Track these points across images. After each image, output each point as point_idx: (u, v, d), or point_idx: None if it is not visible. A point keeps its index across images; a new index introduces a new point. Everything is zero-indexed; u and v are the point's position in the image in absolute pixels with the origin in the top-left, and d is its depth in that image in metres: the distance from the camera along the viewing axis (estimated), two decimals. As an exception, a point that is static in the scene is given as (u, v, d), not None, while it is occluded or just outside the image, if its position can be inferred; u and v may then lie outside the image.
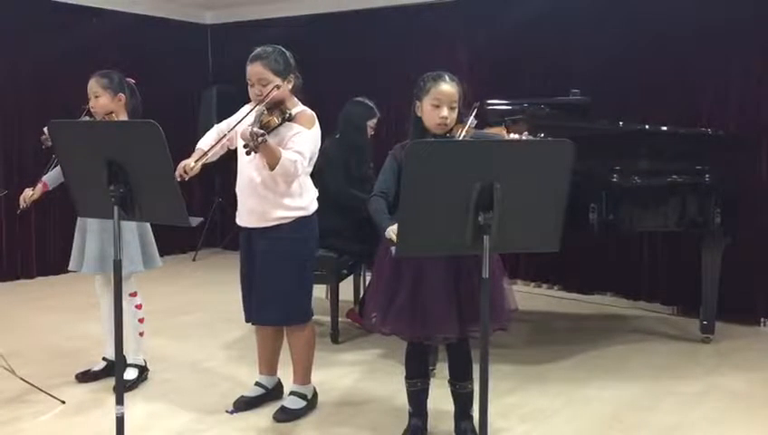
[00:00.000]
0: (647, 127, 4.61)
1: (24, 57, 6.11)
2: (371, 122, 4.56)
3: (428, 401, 3.09)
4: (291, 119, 3.10)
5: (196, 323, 4.94)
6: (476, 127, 2.89)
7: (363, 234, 4.44)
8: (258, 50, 3.15)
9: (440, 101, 2.79)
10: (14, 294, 5.65)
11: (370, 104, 4.59)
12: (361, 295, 4.81)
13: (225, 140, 3.22)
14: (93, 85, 3.58)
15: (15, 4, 6.07)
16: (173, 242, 6.53)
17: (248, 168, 3.16)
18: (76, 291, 5.34)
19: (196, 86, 7.18)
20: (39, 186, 3.66)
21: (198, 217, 6.90)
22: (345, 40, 6.59)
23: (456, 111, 2.83)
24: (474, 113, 2.86)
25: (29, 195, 3.65)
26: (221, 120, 3.41)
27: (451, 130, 2.84)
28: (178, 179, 2.97)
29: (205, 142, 3.29)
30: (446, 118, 2.80)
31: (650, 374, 3.98)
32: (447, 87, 2.81)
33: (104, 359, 3.80)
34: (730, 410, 3.51)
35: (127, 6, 6.79)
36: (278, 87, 3.08)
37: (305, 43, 6.22)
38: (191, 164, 3.06)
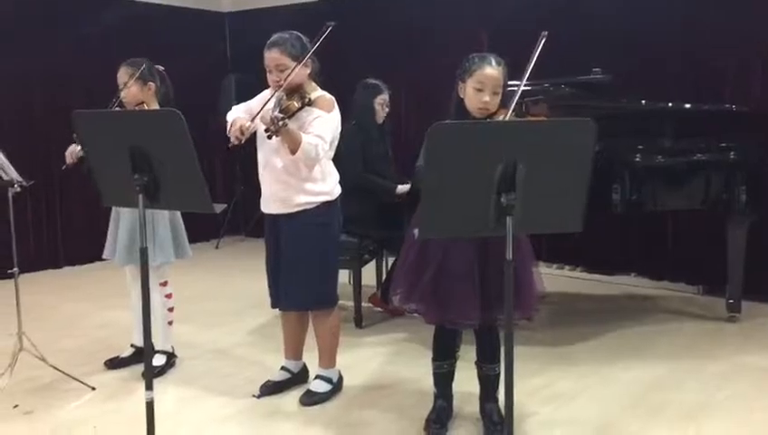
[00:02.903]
0: (669, 105, 4.56)
1: (45, 49, 6.16)
2: (380, 99, 4.49)
3: (453, 383, 3.10)
4: (310, 103, 3.10)
5: (221, 309, 4.99)
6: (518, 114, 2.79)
7: (384, 219, 4.45)
8: (275, 36, 3.15)
9: (483, 85, 2.71)
10: (43, 283, 5.74)
11: (375, 82, 4.53)
12: (384, 280, 4.83)
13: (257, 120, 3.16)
14: (122, 75, 3.59)
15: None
16: (196, 230, 6.51)
17: (270, 154, 3.17)
18: (103, 279, 5.42)
19: (214, 74, 7.20)
20: None
21: (222, 204, 6.95)
22: (364, 24, 6.56)
23: (500, 96, 2.74)
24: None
25: (76, 150, 3.50)
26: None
27: (493, 114, 2.74)
28: (235, 142, 2.98)
29: (233, 115, 3.21)
30: (488, 102, 2.71)
31: (675, 354, 3.96)
32: (492, 71, 2.72)
33: (132, 346, 3.86)
34: (756, 390, 3.48)
35: (144, -5, 6.83)
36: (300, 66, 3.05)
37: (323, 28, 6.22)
38: (247, 124, 3.01)
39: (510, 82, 2.80)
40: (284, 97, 3.09)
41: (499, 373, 2.99)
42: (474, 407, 3.11)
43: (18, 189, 3.53)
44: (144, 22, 6.69)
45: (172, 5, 7.09)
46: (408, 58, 6.20)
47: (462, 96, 2.79)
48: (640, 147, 4.30)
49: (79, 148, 3.53)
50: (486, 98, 2.72)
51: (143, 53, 3.75)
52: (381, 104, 4.51)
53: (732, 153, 4.33)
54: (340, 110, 3.25)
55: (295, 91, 3.11)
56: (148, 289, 2.45)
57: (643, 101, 4.54)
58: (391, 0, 6.46)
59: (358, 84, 4.58)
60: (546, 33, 2.60)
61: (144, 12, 6.77)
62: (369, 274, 4.75)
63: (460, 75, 2.79)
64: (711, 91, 4.99)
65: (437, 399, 3.09)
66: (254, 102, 3.27)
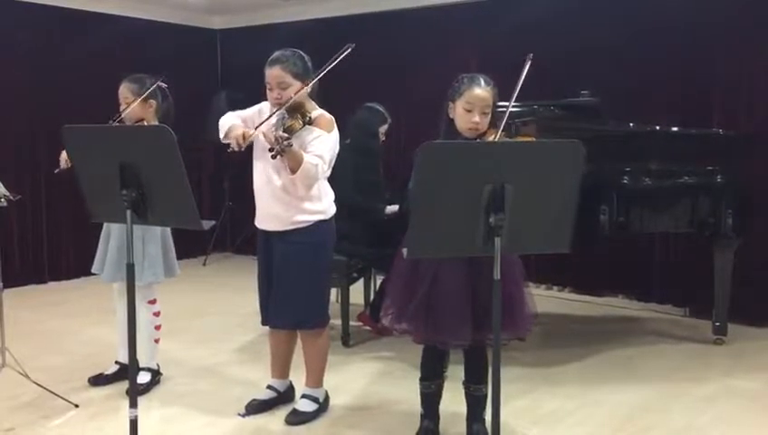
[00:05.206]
0: (657, 128, 4.60)
1: (39, 64, 6.15)
2: (383, 128, 4.56)
3: (441, 403, 3.08)
4: (311, 122, 3.11)
5: (207, 326, 4.95)
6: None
7: (374, 237, 4.45)
8: (277, 53, 3.15)
9: (473, 106, 2.74)
10: (27, 298, 5.67)
11: (382, 110, 4.58)
12: (372, 299, 4.81)
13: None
14: (124, 91, 3.57)
15: (30, 11, 6.11)
16: (183, 247, 6.50)
17: (268, 171, 3.16)
18: (88, 295, 5.37)
19: (205, 91, 7.20)
20: None
21: (210, 221, 6.92)
22: (357, 45, 6.59)
23: (489, 116, 2.77)
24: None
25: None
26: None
27: (483, 134, 2.78)
28: (235, 148, 2.99)
29: (230, 121, 3.19)
30: (478, 123, 2.75)
31: (662, 376, 3.96)
32: (481, 92, 2.75)
33: (117, 362, 3.82)
34: (743, 412, 3.49)
35: (137, 12, 6.84)
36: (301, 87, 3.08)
37: (313, 47, 6.23)
38: (250, 132, 3.03)
39: (499, 103, 2.82)
40: (286, 116, 3.09)
41: (486, 394, 2.97)
42: (461, 428, 3.09)
43: (5, 204, 3.50)
44: (136, 38, 6.70)
45: (164, 22, 7.11)
46: (403, 80, 6.23)
47: (452, 116, 2.82)
48: (628, 169, 4.33)
49: None
50: (476, 118, 2.75)
51: (134, 68, 3.74)
52: (383, 133, 4.56)
53: (719, 176, 4.37)
54: (338, 129, 3.25)
55: (296, 109, 3.10)
56: (134, 305, 2.43)
57: (631, 124, 4.58)
58: (384, 24, 6.49)
59: (363, 106, 4.60)
60: (531, 54, 2.64)
61: (136, 28, 6.78)
62: (356, 292, 4.73)
63: (450, 96, 2.82)
64: (699, 114, 5.04)
65: (424, 419, 3.07)
66: (250, 113, 3.26)
